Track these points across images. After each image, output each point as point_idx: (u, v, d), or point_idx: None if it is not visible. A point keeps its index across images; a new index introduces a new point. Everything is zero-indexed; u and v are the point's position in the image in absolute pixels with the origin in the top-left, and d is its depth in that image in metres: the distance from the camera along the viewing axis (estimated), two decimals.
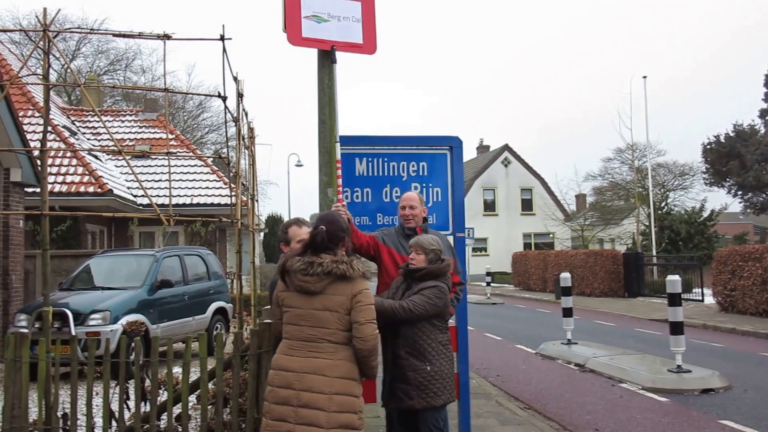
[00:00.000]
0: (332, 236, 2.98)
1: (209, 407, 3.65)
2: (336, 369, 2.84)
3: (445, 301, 3.61)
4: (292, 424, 2.80)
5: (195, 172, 17.66)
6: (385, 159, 4.68)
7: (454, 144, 4.74)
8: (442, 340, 3.62)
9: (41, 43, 3.76)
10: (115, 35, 5.25)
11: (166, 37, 4.07)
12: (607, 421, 5.89)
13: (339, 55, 4.00)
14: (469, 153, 41.78)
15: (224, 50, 4.22)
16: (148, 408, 3.63)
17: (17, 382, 3.49)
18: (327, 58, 4.01)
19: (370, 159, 4.62)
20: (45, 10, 3.76)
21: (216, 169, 18.20)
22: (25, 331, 3.74)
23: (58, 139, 14.33)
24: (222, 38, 4.14)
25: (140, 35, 4.38)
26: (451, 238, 4.70)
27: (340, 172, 3.93)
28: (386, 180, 4.67)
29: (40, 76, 3.97)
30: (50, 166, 13.87)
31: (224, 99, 4.59)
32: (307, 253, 2.94)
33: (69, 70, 21.94)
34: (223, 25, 4.14)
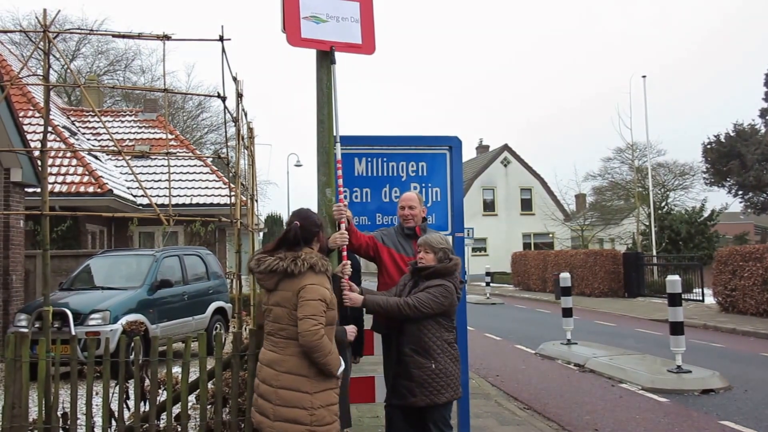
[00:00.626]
0: (306, 232, 3.06)
1: (208, 407, 3.65)
2: (283, 364, 2.91)
3: (451, 300, 3.62)
4: (254, 412, 3.01)
5: (194, 172, 17.67)
6: (384, 159, 4.68)
7: (453, 144, 4.74)
8: (447, 339, 3.64)
9: (41, 43, 3.76)
10: (114, 36, 5.25)
11: (166, 37, 4.08)
12: (606, 422, 5.89)
13: (338, 55, 4.00)
14: (468, 153, 41.88)
15: (223, 50, 4.23)
16: (147, 407, 3.63)
17: (17, 382, 3.50)
18: (326, 58, 4.00)
19: (369, 159, 4.62)
20: (45, 11, 3.76)
21: (215, 169, 18.21)
22: (25, 330, 3.74)
23: (58, 139, 14.34)
24: (221, 39, 4.14)
25: (140, 36, 4.39)
26: (450, 238, 4.70)
27: (340, 172, 3.92)
28: (385, 180, 4.68)
29: (41, 77, 3.97)
30: (50, 166, 13.88)
31: (224, 99, 4.59)
32: (281, 248, 3.02)
33: (69, 71, 21.95)
34: (222, 26, 4.14)
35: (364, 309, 3.73)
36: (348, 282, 3.63)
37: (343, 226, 3.74)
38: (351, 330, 3.40)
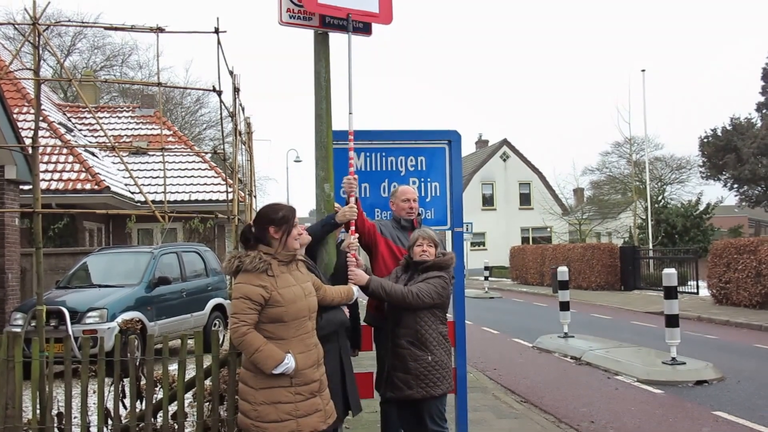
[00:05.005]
0: (258, 230, 3.03)
1: (206, 404, 3.66)
2: (243, 358, 3.01)
3: (449, 292, 3.67)
4: None
5: (193, 168, 17.62)
6: (383, 154, 4.65)
7: (452, 138, 4.71)
8: (442, 331, 3.68)
9: (31, 36, 3.72)
10: (107, 28, 5.19)
11: (159, 30, 4.04)
12: (602, 413, 5.94)
13: (335, 48, 3.97)
14: (468, 147, 41.87)
15: (219, 43, 4.19)
16: (144, 406, 3.63)
17: (10, 382, 3.48)
18: (323, 50, 3.94)
19: (367, 154, 4.58)
20: (34, 2, 3.73)
21: (214, 165, 18.16)
22: (18, 330, 3.72)
23: (53, 135, 14.27)
24: (216, 31, 4.10)
25: (133, 28, 4.35)
26: (449, 233, 4.71)
27: (352, 144, 3.85)
28: (384, 175, 4.64)
29: (32, 71, 3.94)
30: (46, 163, 13.81)
31: (219, 93, 4.57)
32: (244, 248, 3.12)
33: (62, 67, 21.78)
34: (218, 18, 4.08)
35: (357, 302, 3.71)
36: (355, 257, 3.57)
37: (352, 200, 3.70)
38: (345, 310, 3.40)
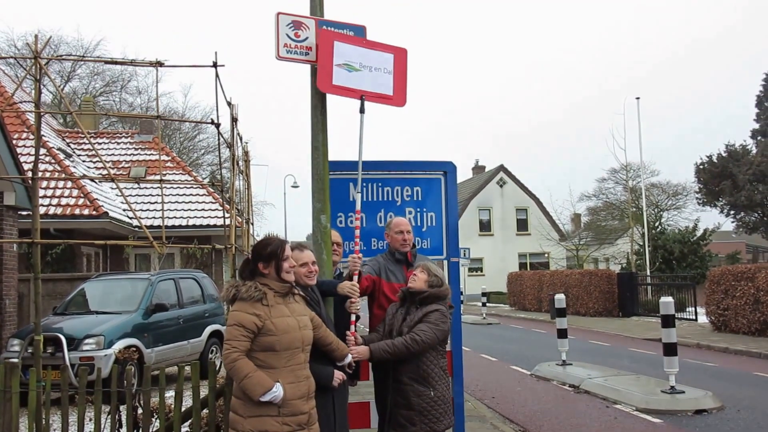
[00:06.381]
0: (252, 265, 3.13)
1: None
2: (234, 387, 3.04)
3: (448, 324, 3.64)
4: None
5: (191, 194, 17.70)
6: (380, 184, 4.72)
7: (448, 169, 4.79)
8: (442, 365, 3.65)
9: (33, 69, 3.80)
10: (107, 62, 5.33)
11: (159, 64, 4.14)
12: None
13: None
14: (464, 173, 42.12)
15: (217, 76, 4.27)
16: None
17: (7, 413, 3.47)
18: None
19: (364, 184, 4.64)
20: (36, 37, 3.82)
21: (212, 190, 18.24)
22: (16, 360, 3.72)
23: (53, 161, 14.35)
24: (215, 65, 4.19)
25: (133, 62, 4.46)
26: (445, 263, 4.74)
27: (358, 222, 3.91)
28: (380, 205, 4.71)
29: (32, 103, 4.01)
30: (45, 188, 13.87)
31: (217, 126, 4.65)
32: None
33: (62, 98, 22.07)
34: (216, 52, 4.18)
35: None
36: (354, 335, 3.61)
37: (356, 278, 3.74)
38: (339, 376, 3.37)
